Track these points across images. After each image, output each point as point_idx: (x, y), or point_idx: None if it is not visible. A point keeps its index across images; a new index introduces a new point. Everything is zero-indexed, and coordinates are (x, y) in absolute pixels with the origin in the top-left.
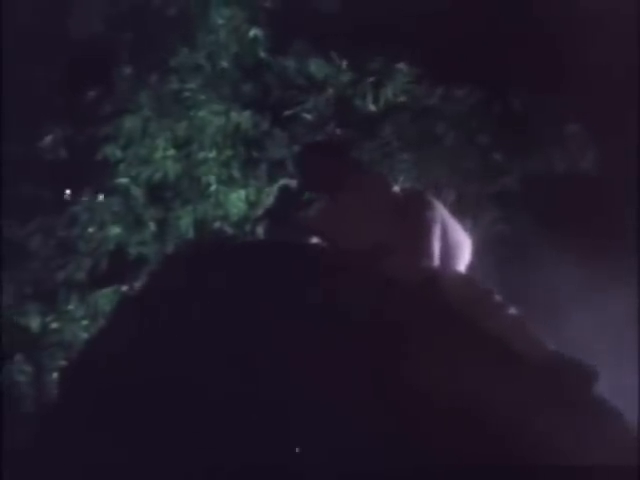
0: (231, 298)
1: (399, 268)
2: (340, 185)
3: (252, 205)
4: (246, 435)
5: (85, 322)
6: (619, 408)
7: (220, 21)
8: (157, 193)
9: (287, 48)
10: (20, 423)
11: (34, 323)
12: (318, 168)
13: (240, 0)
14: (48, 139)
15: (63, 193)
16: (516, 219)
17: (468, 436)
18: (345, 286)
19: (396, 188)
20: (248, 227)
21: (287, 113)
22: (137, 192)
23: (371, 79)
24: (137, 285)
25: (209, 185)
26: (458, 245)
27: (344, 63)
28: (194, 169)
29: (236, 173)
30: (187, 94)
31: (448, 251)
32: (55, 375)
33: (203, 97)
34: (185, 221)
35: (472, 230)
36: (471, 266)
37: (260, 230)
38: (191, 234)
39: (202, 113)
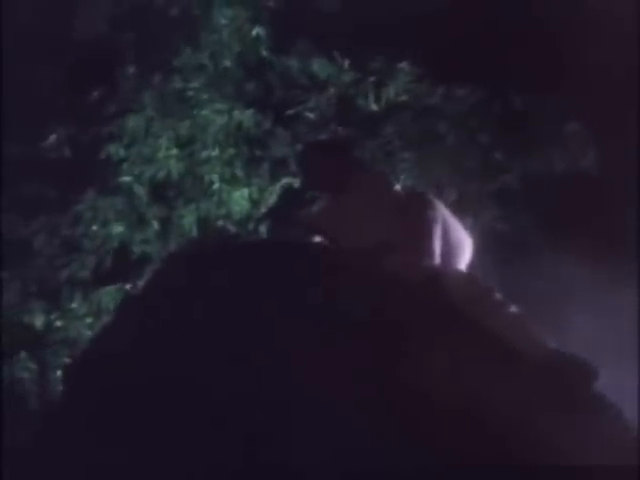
0: (233, 296)
1: (401, 267)
2: (342, 184)
3: (255, 204)
4: (247, 434)
5: (89, 320)
6: (619, 407)
7: (223, 21)
8: (160, 192)
9: (290, 47)
10: (24, 420)
11: (38, 321)
12: (320, 167)
13: (243, 0)
14: (52, 138)
15: (67, 192)
16: (516, 218)
17: (469, 435)
18: (347, 285)
19: (397, 187)
20: (251, 226)
21: (289, 112)
22: (140, 191)
23: (373, 78)
24: (140, 283)
25: (212, 184)
26: (459, 244)
27: (346, 62)
28: (197, 168)
29: (239, 172)
30: (190, 93)
31: (449, 250)
32: (59, 372)
33: (206, 96)
34: (188, 220)
35: (473, 229)
36: (472, 265)
37: (263, 229)
38: (194, 233)
39: (205, 112)
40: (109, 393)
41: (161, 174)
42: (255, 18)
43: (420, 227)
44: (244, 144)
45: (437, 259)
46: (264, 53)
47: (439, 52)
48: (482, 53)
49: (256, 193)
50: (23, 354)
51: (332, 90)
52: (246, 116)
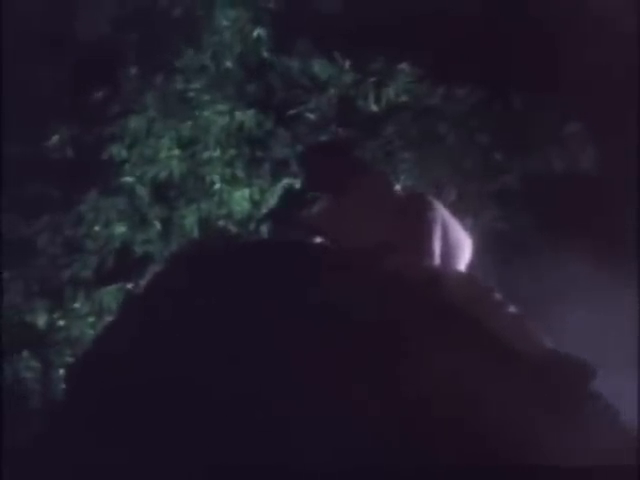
0: (234, 296)
1: (401, 267)
2: (342, 185)
3: (256, 204)
4: (247, 434)
5: (91, 319)
6: (618, 408)
7: (225, 22)
8: (162, 192)
9: (290, 48)
10: (25, 419)
11: (41, 320)
12: (320, 168)
13: (245, 1)
14: (55, 139)
15: (69, 192)
16: (516, 218)
17: (468, 435)
18: (347, 285)
19: (398, 188)
20: (252, 226)
21: (290, 113)
22: (142, 191)
23: (373, 79)
24: (142, 283)
25: (213, 184)
26: (459, 245)
27: (347, 63)
28: (198, 168)
29: (240, 172)
30: (192, 94)
31: (449, 251)
32: (62, 371)
33: (207, 97)
34: (190, 220)
35: (472, 229)
36: (472, 265)
37: (264, 229)
38: (195, 233)
39: (206, 113)
40: (111, 393)
41: (163, 174)
42: (256, 19)
43: (420, 227)
44: (245, 145)
45: (437, 259)
46: (265, 54)
47: (439, 52)
48: (482, 53)
49: (257, 193)
50: (26, 353)
51: (333, 91)
52: (247, 117)
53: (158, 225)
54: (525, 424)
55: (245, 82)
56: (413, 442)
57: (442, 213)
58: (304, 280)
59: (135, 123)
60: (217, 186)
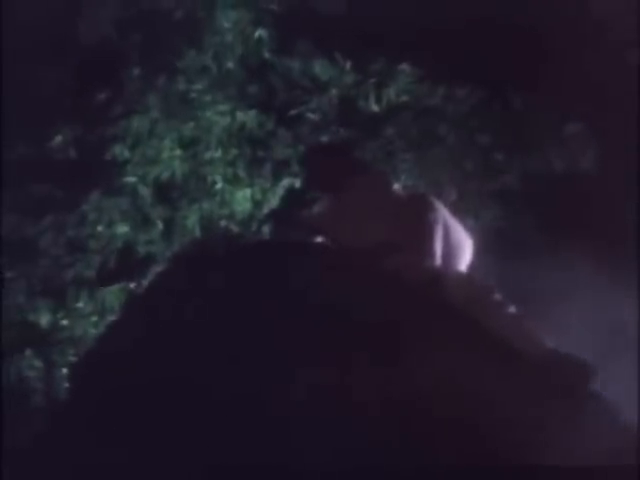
0: (235, 296)
1: (401, 267)
2: (343, 185)
3: (257, 204)
4: (247, 434)
5: (94, 318)
6: (618, 407)
7: (226, 24)
8: (164, 192)
9: (292, 49)
10: (28, 419)
11: (44, 319)
12: (321, 168)
13: (246, 2)
14: (58, 139)
15: (72, 192)
16: (516, 218)
17: (468, 435)
18: (347, 284)
19: (398, 188)
20: (253, 226)
21: (292, 113)
22: (145, 191)
23: (374, 80)
24: (145, 283)
25: (215, 184)
26: (459, 245)
27: (348, 64)
28: (200, 168)
29: (242, 172)
30: (194, 95)
31: (450, 251)
32: (65, 371)
33: (209, 98)
34: (192, 220)
35: (473, 229)
36: (472, 265)
37: (265, 229)
38: (197, 232)
39: (208, 113)
40: (114, 392)
41: (165, 175)
42: (258, 20)
43: (421, 228)
44: (247, 145)
45: (438, 259)
46: (266, 55)
47: (439, 53)
48: (482, 53)
49: (258, 193)
50: (28, 352)
51: (334, 91)
52: (249, 117)
53: (160, 225)
54: (525, 424)
55: (246, 83)
56: (413, 442)
57: (443, 213)
58: (304, 280)
59: (137, 124)
60: (219, 186)
